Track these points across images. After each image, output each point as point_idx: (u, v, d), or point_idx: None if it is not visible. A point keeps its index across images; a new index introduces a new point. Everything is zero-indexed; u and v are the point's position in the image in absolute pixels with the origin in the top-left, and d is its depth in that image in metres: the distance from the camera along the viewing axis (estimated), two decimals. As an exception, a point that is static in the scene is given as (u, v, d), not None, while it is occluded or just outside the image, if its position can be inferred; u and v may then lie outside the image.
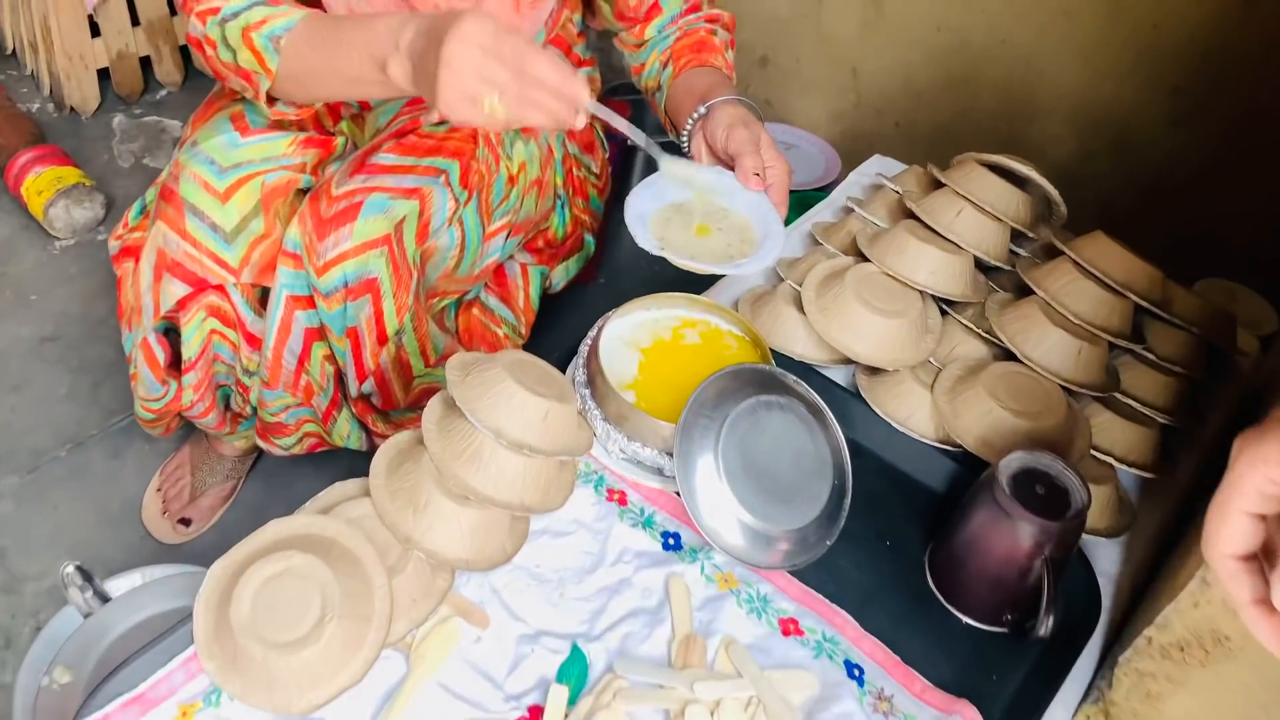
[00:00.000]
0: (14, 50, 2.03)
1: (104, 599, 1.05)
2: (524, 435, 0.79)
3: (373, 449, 1.26)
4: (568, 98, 0.81)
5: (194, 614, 0.72)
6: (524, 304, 1.28)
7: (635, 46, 1.19)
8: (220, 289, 1.07)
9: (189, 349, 1.12)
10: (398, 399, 1.18)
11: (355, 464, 1.40)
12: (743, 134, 0.95)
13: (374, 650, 0.71)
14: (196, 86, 2.07)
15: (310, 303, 1.09)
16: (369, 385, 1.15)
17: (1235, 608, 0.49)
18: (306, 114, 1.11)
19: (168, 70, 2.04)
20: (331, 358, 1.15)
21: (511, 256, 1.29)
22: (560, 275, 1.34)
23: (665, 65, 1.14)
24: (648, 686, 0.75)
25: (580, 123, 0.84)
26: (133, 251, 1.36)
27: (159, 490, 1.39)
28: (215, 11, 0.95)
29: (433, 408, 0.83)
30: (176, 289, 1.06)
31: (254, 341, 1.12)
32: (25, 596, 1.30)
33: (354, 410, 1.21)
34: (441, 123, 1.17)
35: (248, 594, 0.71)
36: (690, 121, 1.03)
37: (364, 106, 1.19)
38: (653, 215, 0.95)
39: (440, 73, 0.79)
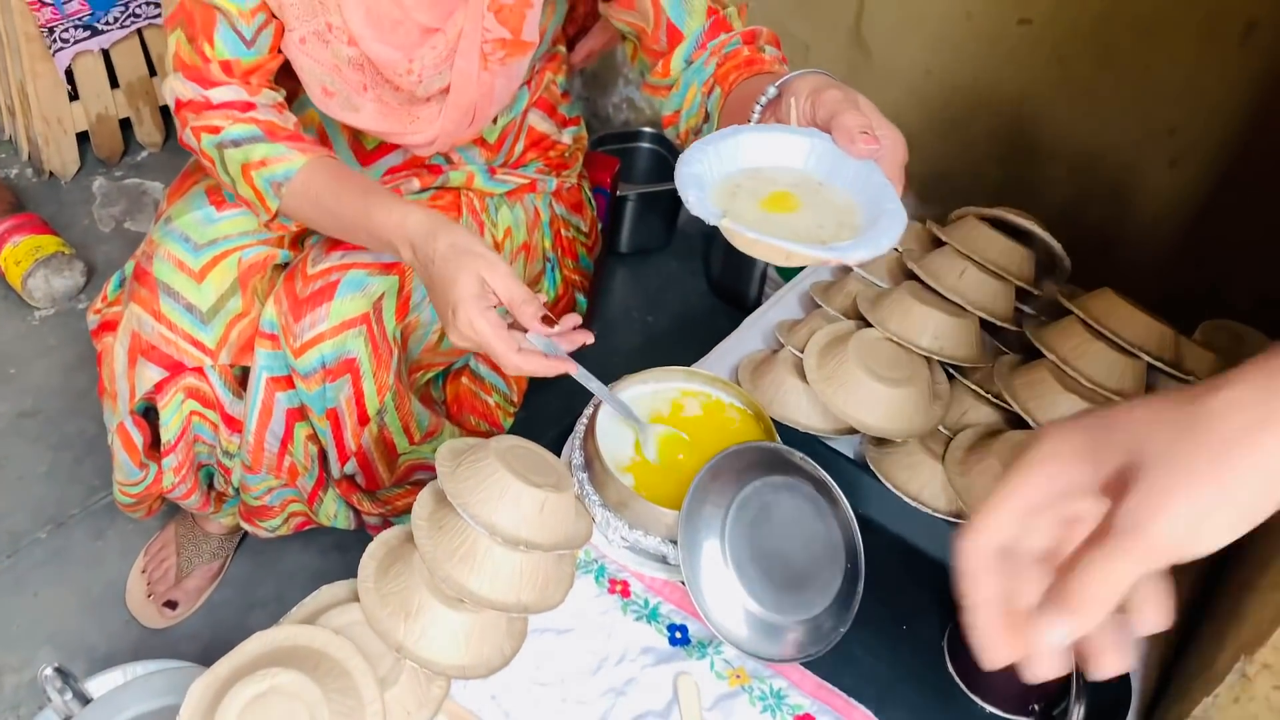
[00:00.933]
0: (-8, 116, 2.00)
1: (84, 700, 1.00)
2: (520, 530, 0.75)
3: (360, 527, 1.23)
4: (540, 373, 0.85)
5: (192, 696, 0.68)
6: (519, 378, 1.25)
7: (666, 90, 0.99)
8: (198, 370, 1.03)
9: (168, 431, 1.08)
10: (382, 478, 1.14)
11: (344, 540, 1.37)
12: (835, 94, 0.75)
13: (430, 711, 0.68)
14: (177, 148, 2.03)
15: (290, 383, 1.06)
16: (351, 466, 1.11)
17: (963, 599, 0.44)
18: None
19: (148, 131, 2.01)
20: (315, 437, 1.11)
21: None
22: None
23: (710, 92, 0.95)
24: (659, 800, 0.70)
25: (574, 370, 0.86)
26: (112, 326, 1.32)
27: (143, 572, 1.34)
28: (215, 131, 0.96)
29: (423, 502, 0.79)
30: (152, 373, 1.02)
31: (233, 424, 1.08)
32: (4, 690, 1.24)
33: (339, 490, 1.17)
34: (424, 190, 1.14)
35: (231, 717, 0.66)
36: (757, 108, 0.82)
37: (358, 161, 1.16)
38: (717, 185, 0.73)
39: (441, 320, 0.88)
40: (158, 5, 1.89)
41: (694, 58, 0.96)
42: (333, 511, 1.18)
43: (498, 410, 1.24)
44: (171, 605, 1.31)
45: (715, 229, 0.69)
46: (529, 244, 1.19)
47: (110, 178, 1.96)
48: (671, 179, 0.73)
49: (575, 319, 0.86)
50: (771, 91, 0.80)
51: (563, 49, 1.19)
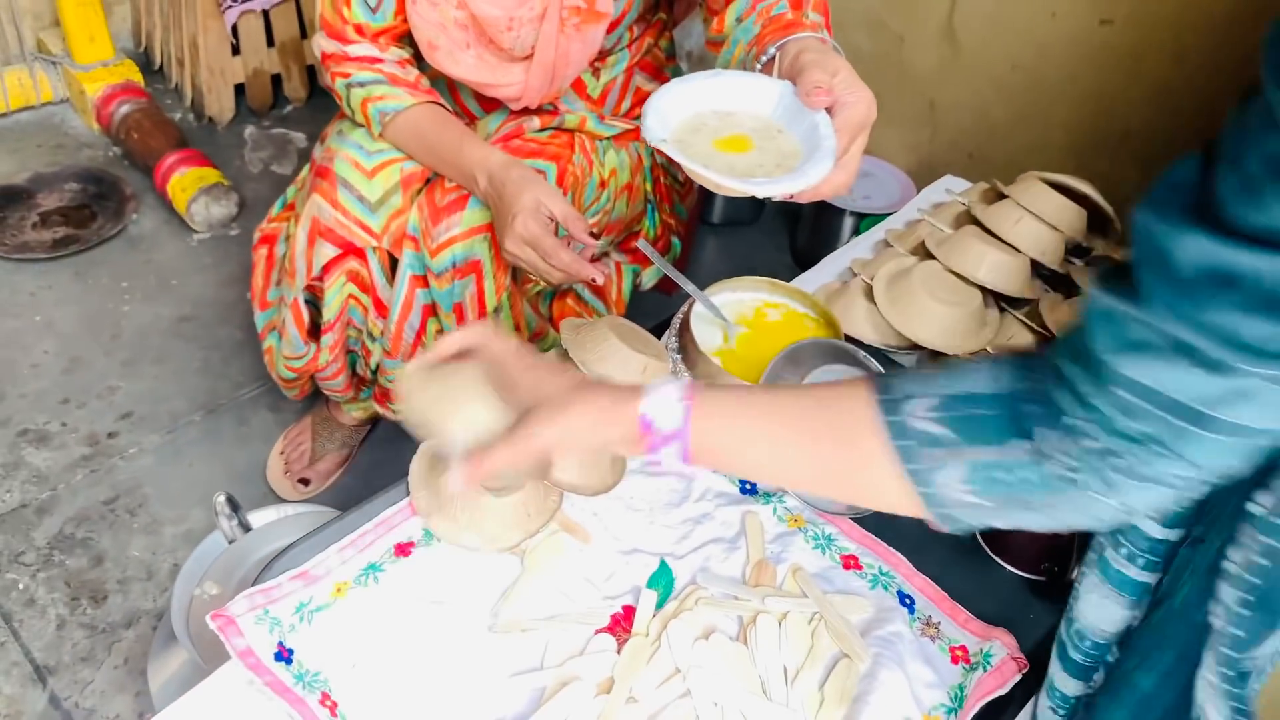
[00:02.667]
0: (161, 66, 2.25)
1: (246, 528, 1.20)
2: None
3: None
4: (576, 276, 1.08)
5: (410, 475, 0.88)
6: (616, 297, 1.42)
7: (719, 46, 1.10)
8: (361, 255, 1.22)
9: (329, 310, 1.27)
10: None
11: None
12: (811, 56, 0.84)
13: (545, 518, 0.87)
14: (319, 105, 2.27)
15: (426, 282, 1.25)
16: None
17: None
18: None
19: (295, 88, 2.24)
20: (441, 333, 1.30)
21: (607, 254, 1.43)
22: (650, 276, 1.47)
23: (748, 51, 1.02)
24: (725, 597, 0.86)
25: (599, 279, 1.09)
26: (270, 239, 1.54)
27: (281, 453, 1.55)
28: (346, 76, 1.20)
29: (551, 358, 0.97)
30: (327, 251, 1.21)
31: (381, 309, 1.27)
32: (164, 537, 1.46)
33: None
34: (543, 129, 1.32)
35: None
36: (758, 66, 0.92)
37: (474, 117, 1.35)
38: (684, 119, 0.83)
39: (499, 234, 1.11)
40: (314, -25, 2.12)
41: (744, 16, 1.06)
42: (452, 401, 1.37)
43: (596, 331, 1.42)
44: (305, 482, 1.52)
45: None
46: (631, 185, 1.36)
47: (259, 126, 2.20)
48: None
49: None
50: (772, 51, 0.92)
51: (664, 16, 1.36)
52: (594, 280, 1.08)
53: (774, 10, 1.04)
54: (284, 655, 0.80)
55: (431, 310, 1.27)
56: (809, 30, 0.97)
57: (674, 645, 0.82)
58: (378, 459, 1.58)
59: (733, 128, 0.83)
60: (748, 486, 0.98)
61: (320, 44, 1.22)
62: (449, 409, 0.73)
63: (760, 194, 0.76)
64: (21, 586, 1.38)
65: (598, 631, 0.84)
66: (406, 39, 1.24)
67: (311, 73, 2.26)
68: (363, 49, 1.20)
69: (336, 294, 1.27)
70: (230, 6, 2.03)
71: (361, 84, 1.19)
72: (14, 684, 1.29)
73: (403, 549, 0.89)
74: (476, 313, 1.24)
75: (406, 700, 0.79)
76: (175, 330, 1.76)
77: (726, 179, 0.76)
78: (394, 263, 1.25)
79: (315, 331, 1.34)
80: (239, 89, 2.18)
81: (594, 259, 1.34)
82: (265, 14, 2.11)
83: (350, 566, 0.86)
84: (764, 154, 0.80)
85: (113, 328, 1.75)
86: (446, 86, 1.34)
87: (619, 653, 0.82)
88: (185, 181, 1.90)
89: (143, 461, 1.55)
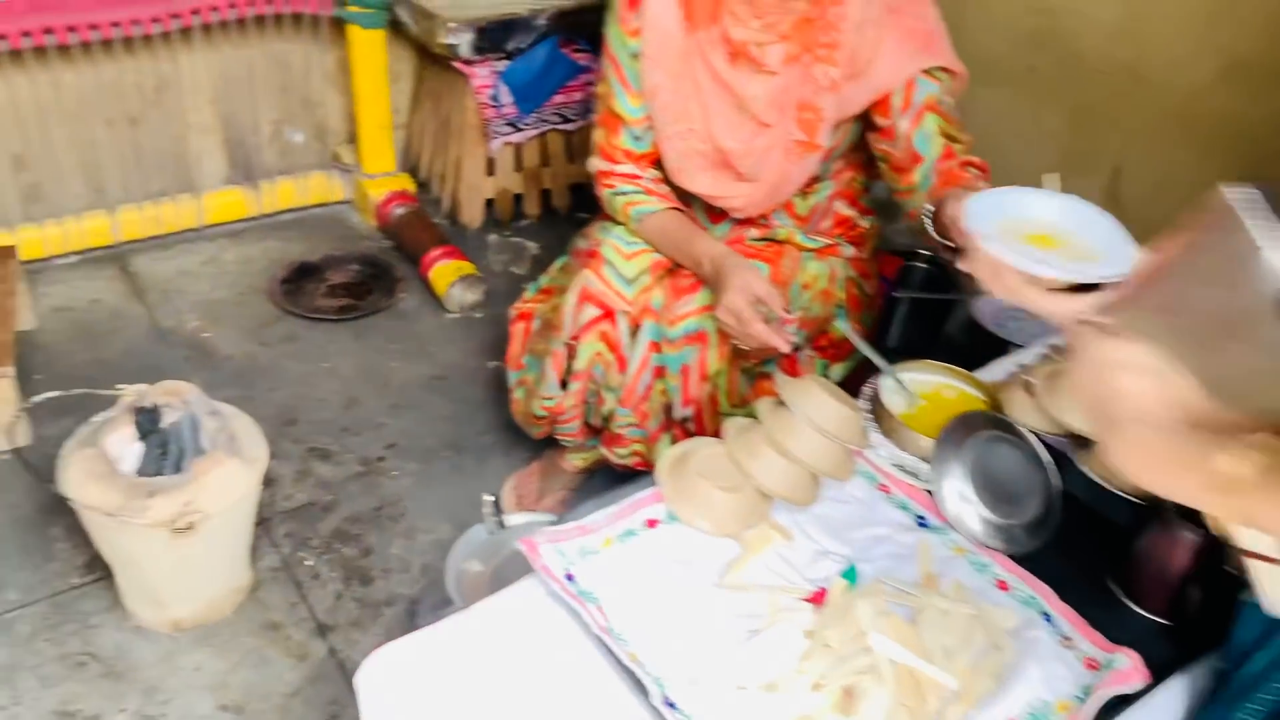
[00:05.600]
0: (425, 179, 2.75)
1: (502, 526, 1.53)
2: (826, 424, 1.21)
3: (685, 468, 1.70)
4: (769, 344, 1.40)
5: (657, 470, 1.20)
6: (808, 383, 1.71)
7: (909, 194, 1.49)
8: (613, 318, 1.57)
9: (580, 361, 1.62)
10: (707, 427, 1.63)
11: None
12: (954, 204, 1.21)
13: (759, 516, 1.15)
14: (548, 221, 2.71)
15: (659, 348, 1.58)
16: (689, 411, 1.61)
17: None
18: None
19: (531, 205, 2.70)
20: (664, 393, 1.62)
21: (800, 348, 1.74)
22: (837, 370, 1.77)
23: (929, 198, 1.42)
24: (901, 591, 1.12)
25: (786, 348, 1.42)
26: (525, 316, 1.91)
27: (515, 488, 1.89)
28: (613, 186, 1.62)
29: (763, 402, 1.27)
30: (590, 312, 1.57)
31: (622, 364, 1.61)
32: (418, 542, 1.80)
33: (674, 433, 1.66)
34: (759, 238, 1.67)
35: (693, 461, 1.16)
36: (926, 220, 1.31)
37: (702, 227, 1.71)
38: (996, 222, 1.06)
39: (714, 305, 1.46)
40: (562, 117, 2.59)
41: (928, 174, 1.46)
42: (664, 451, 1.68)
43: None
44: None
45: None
46: (827, 291, 1.68)
47: (500, 234, 2.65)
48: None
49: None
50: (929, 208, 1.31)
51: (863, 155, 1.70)
52: (783, 349, 1.40)
53: (946, 168, 1.45)
54: (569, 577, 1.10)
55: (660, 372, 1.60)
56: (969, 183, 1.39)
57: (861, 615, 1.08)
58: (591, 500, 1.88)
59: (1035, 229, 1.07)
60: (920, 521, 1.24)
61: (595, 163, 1.64)
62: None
63: (1096, 278, 0.96)
64: (309, 564, 1.74)
65: (800, 600, 1.11)
66: (659, 162, 1.62)
67: (546, 195, 2.71)
68: (626, 168, 1.61)
69: (589, 349, 1.62)
70: (493, 138, 2.51)
71: (624, 193, 1.60)
72: (303, 634, 1.62)
73: (652, 522, 1.18)
74: (700, 375, 1.57)
75: (654, 622, 1.07)
76: (430, 386, 2.15)
77: (1058, 269, 0.98)
78: (636, 329, 1.60)
79: (562, 383, 1.69)
80: (488, 203, 2.64)
81: (791, 353, 1.65)
82: (518, 144, 2.59)
83: (615, 528, 1.17)
84: (1071, 249, 1.02)
85: (383, 378, 2.15)
86: (683, 202, 1.71)
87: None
88: (446, 271, 2.34)
89: (403, 482, 1.91)
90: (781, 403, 1.25)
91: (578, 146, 2.68)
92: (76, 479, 1.41)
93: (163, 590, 1.54)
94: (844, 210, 1.70)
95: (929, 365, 1.39)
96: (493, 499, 1.52)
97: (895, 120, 1.52)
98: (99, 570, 1.65)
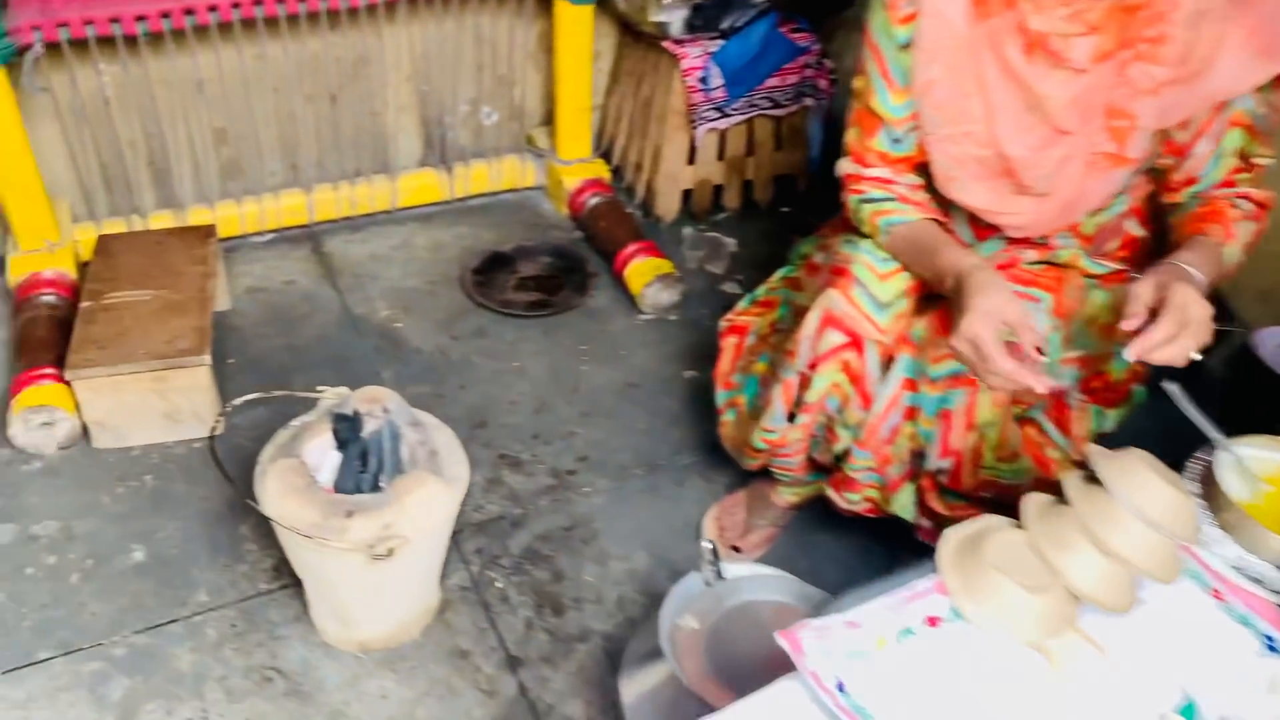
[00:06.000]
0: (618, 167, 2.60)
1: (719, 575, 1.36)
2: (1155, 514, 0.99)
3: (926, 519, 1.50)
4: (1017, 384, 1.17)
5: (939, 557, 1.00)
6: (1081, 435, 1.46)
7: (1172, 209, 1.36)
8: (859, 347, 1.37)
9: (813, 394, 1.43)
10: (965, 481, 1.41)
11: (869, 543, 1.66)
12: (1156, 278, 1.15)
13: (1065, 621, 0.95)
14: (748, 215, 2.52)
15: (915, 386, 1.37)
16: (946, 464, 1.40)
17: None
18: None
19: (732, 197, 2.51)
20: (914, 438, 1.42)
21: (1068, 391, 1.50)
22: (1113, 418, 1.52)
23: (1173, 233, 1.32)
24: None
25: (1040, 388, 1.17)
26: (738, 330, 1.73)
27: (717, 518, 1.72)
28: (861, 192, 1.40)
29: (1072, 480, 1.05)
30: (834, 339, 1.37)
31: (865, 400, 1.41)
32: (611, 570, 1.66)
33: (922, 484, 1.45)
34: (1037, 261, 1.43)
35: (986, 547, 0.97)
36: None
37: (965, 244, 1.48)
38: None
39: (955, 321, 1.21)
40: (772, 102, 2.38)
41: (1194, 199, 1.32)
42: (905, 502, 1.47)
43: (1055, 463, 1.47)
44: (735, 549, 1.67)
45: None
46: (1111, 326, 1.43)
47: (696, 228, 2.48)
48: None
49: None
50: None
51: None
52: (1037, 388, 1.16)
53: (1217, 195, 1.30)
54: (840, 687, 0.92)
55: (912, 413, 1.39)
56: (1222, 222, 1.27)
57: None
58: (796, 545, 1.70)
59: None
60: (1269, 645, 1.00)
61: (843, 166, 1.43)
62: None
63: None
64: (499, 585, 1.62)
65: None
66: (921, 168, 1.40)
67: (748, 186, 2.52)
68: (879, 171, 1.39)
69: (825, 380, 1.42)
70: (700, 124, 2.33)
71: (873, 200, 1.38)
72: (492, 666, 1.51)
73: (933, 620, 0.99)
74: (966, 423, 1.35)
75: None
76: (623, 393, 2.00)
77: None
78: (887, 363, 1.39)
79: (790, 415, 1.50)
80: (685, 194, 2.47)
81: (1058, 394, 1.41)
82: (722, 131, 2.40)
83: (890, 625, 0.98)
84: None
85: (573, 382, 2.02)
86: (944, 215, 1.49)
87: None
88: (643, 269, 2.18)
89: (595, 500, 1.78)
90: (1094, 480, 1.03)
91: (786, 135, 2.47)
92: (275, 492, 1.32)
93: (352, 610, 1.45)
94: (1134, 230, 1.44)
95: (1271, 441, 1.13)
96: (710, 545, 1.35)
97: (1194, 137, 1.28)
98: (286, 576, 1.58)
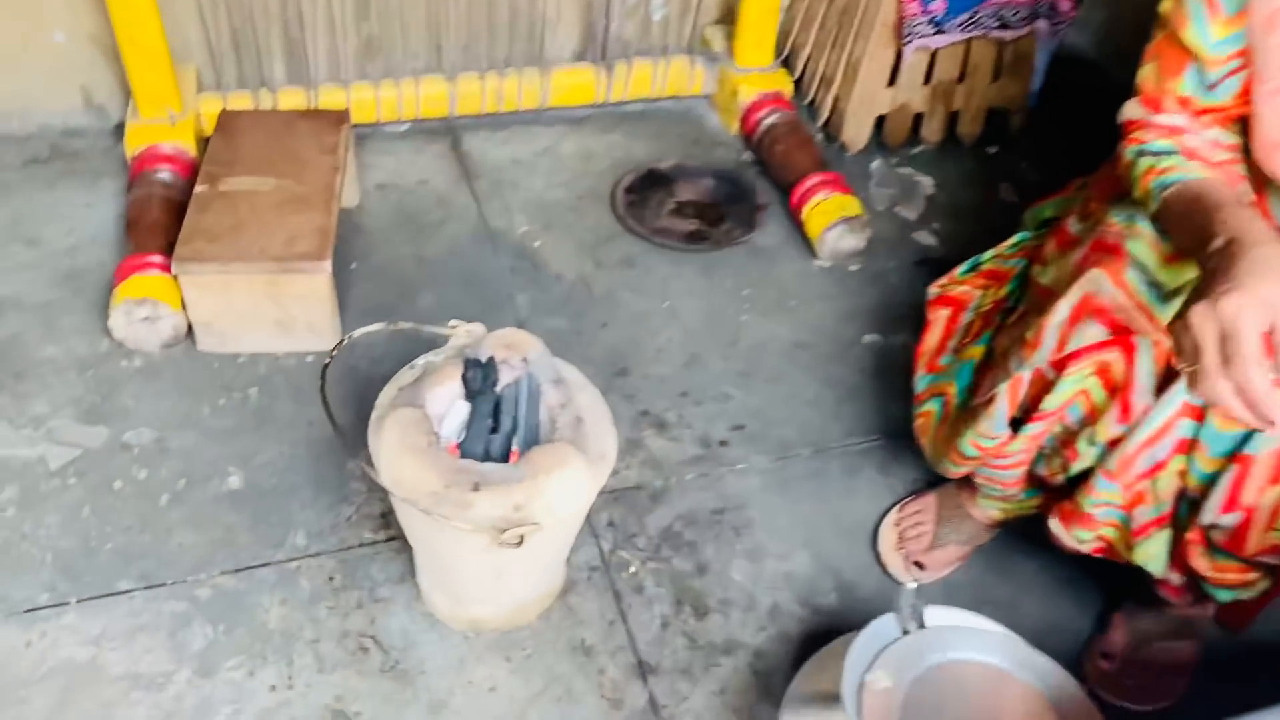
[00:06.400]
0: (799, 80, 2.26)
1: (920, 623, 1.09)
2: None
3: (1177, 573, 1.19)
4: (1254, 407, 0.83)
5: None
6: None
7: None
8: (1127, 347, 1.05)
9: (1054, 399, 1.12)
10: (1248, 544, 1.09)
11: (1081, 576, 1.36)
12: None
13: None
14: (950, 152, 2.16)
15: (1201, 415, 1.05)
16: (1231, 520, 1.08)
17: None
18: None
19: (933, 129, 2.15)
20: (1184, 475, 1.10)
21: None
22: None
23: None
24: None
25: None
26: (952, 303, 1.42)
27: (896, 525, 1.44)
28: (1141, 141, 1.07)
29: None
30: (1093, 333, 1.06)
31: (1125, 413, 1.09)
32: (766, 570, 1.40)
33: (1178, 538, 1.14)
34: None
35: None
36: None
37: None
38: None
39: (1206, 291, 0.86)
40: (1000, 22, 2.00)
41: None
42: (1153, 553, 1.16)
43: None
44: (920, 566, 1.39)
45: None
46: None
47: (887, 162, 2.13)
48: None
49: None
50: None
51: None
52: (1263, 427, 0.86)
53: None
54: None
55: (1189, 446, 1.07)
56: None
57: None
58: (991, 569, 1.42)
59: None
60: None
61: (1129, 109, 1.09)
62: None
63: None
64: (632, 570, 1.38)
65: None
66: (1237, 126, 1.06)
67: (953, 118, 2.15)
68: (1171, 119, 1.06)
69: (1072, 385, 1.11)
70: (911, 39, 1.97)
71: (1153, 153, 1.05)
72: (619, 669, 1.28)
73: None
74: (1271, 472, 1.03)
75: None
76: (789, 354, 1.71)
77: None
78: (1165, 373, 1.07)
79: (1014, 421, 1.20)
80: (878, 120, 2.12)
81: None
82: (933, 52, 2.03)
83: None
84: None
85: (731, 334, 1.74)
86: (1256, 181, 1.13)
87: None
88: (826, 206, 1.87)
89: (750, 481, 1.51)
90: None
91: (1009, 61, 2.08)
92: (391, 448, 1.10)
93: (466, 589, 1.24)
94: None
95: None
96: (914, 585, 1.08)
97: None
98: (395, 528, 1.37)
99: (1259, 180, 1.08)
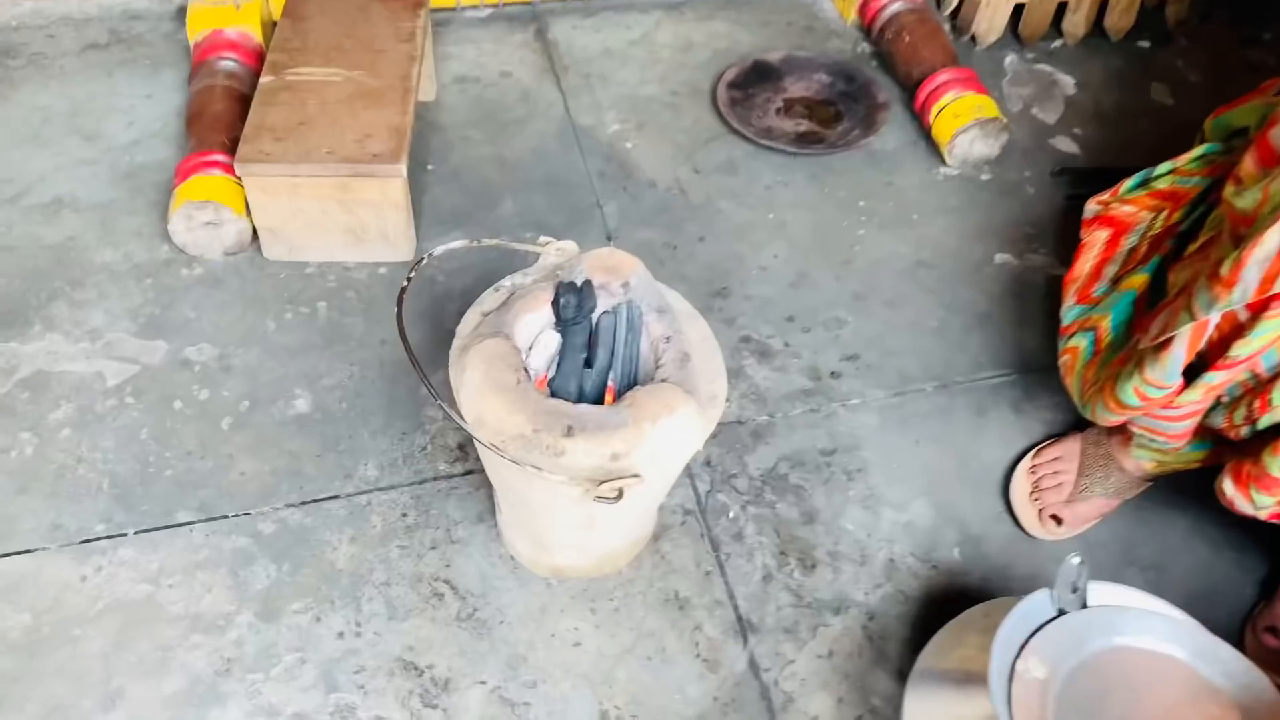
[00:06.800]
0: (923, -37, 2.00)
1: (1083, 601, 0.93)
2: None
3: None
4: None
5: None
6: None
7: None
8: None
9: (1245, 346, 0.94)
10: None
11: (1249, 528, 1.18)
12: None
13: None
14: (1093, 46, 1.90)
15: None
16: None
17: None
18: None
19: (1076, 22, 1.89)
20: None
21: None
22: None
23: None
24: None
25: None
26: (1114, 223, 1.22)
27: (1032, 472, 1.27)
28: None
29: None
30: None
31: None
32: (882, 520, 1.25)
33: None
34: None
35: None
36: None
37: None
38: None
39: None
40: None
41: None
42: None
43: None
44: (1057, 520, 1.23)
45: None
46: None
47: (1022, 58, 1.89)
48: None
49: None
50: None
51: None
52: None
53: None
54: None
55: None
56: None
57: None
58: (1140, 524, 1.25)
59: None
60: None
61: None
62: None
63: None
64: (731, 515, 1.25)
65: None
66: None
67: (1102, 8, 1.89)
68: None
69: (1273, 329, 0.93)
70: (1062, -88, 1.70)
71: None
72: (717, 626, 1.16)
73: None
74: None
75: None
76: (911, 274, 1.53)
77: None
78: None
79: (1187, 369, 1.01)
80: (1015, 9, 1.87)
81: None
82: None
83: None
84: None
85: (845, 251, 1.56)
86: None
87: None
88: (959, 108, 1.64)
89: (865, 418, 1.35)
90: None
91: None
92: (476, 385, 0.96)
93: (552, 536, 1.12)
94: None
95: None
96: (1078, 560, 0.92)
97: None
98: (473, 460, 1.26)
99: None
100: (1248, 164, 1.05)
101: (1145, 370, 1.03)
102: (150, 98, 1.72)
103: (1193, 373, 1.01)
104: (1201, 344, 0.99)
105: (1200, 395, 1.02)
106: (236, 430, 1.29)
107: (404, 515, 1.23)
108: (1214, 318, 0.97)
